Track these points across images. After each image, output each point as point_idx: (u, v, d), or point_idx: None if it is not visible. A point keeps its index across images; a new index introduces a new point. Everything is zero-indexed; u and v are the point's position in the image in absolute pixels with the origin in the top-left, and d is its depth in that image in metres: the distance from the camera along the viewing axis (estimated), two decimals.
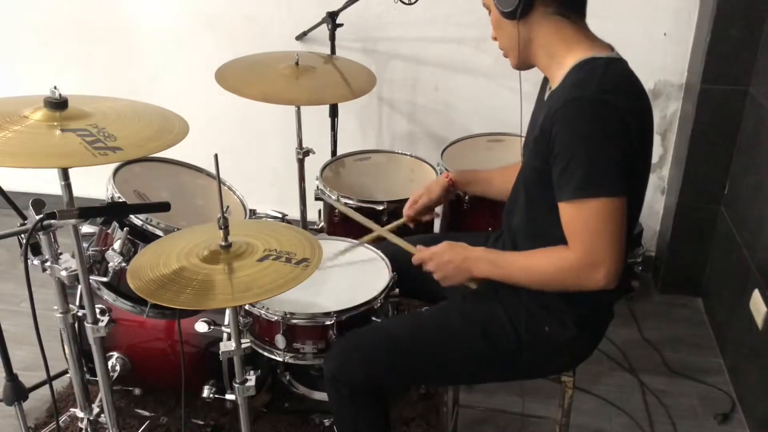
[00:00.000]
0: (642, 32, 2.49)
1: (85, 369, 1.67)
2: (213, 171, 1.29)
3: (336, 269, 1.74)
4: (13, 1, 2.91)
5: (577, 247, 1.32)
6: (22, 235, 1.40)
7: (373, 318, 1.61)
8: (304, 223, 2.48)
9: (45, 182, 2.98)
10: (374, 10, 2.64)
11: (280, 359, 1.60)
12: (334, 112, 2.57)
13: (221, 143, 2.68)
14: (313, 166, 2.27)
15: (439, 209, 1.97)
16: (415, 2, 2.39)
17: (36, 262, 1.41)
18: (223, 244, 1.32)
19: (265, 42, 2.74)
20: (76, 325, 1.53)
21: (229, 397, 1.49)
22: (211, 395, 1.86)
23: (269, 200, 2.50)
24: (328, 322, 1.55)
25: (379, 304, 1.61)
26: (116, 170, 1.82)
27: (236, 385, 1.43)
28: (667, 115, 2.63)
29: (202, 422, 2.03)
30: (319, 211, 2.24)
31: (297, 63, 2.10)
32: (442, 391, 1.99)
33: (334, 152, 2.61)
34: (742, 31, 2.27)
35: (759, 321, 2.03)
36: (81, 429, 1.64)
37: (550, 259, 1.37)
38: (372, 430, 1.58)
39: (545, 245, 1.39)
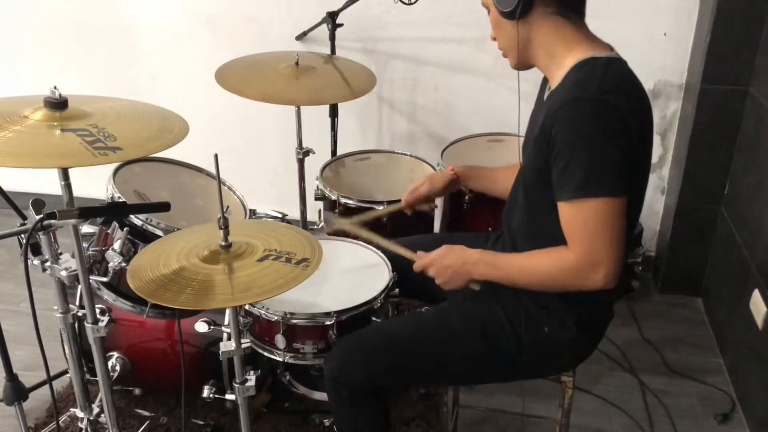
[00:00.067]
0: (642, 32, 2.49)
1: (85, 369, 1.67)
2: (213, 171, 1.29)
3: (336, 269, 1.74)
4: (13, 1, 2.91)
5: (577, 247, 1.32)
6: (22, 235, 1.40)
7: (373, 318, 1.60)
8: (304, 223, 2.48)
9: (45, 182, 2.99)
10: (374, 10, 2.64)
11: (280, 359, 1.60)
12: (334, 112, 2.57)
13: (221, 143, 2.68)
14: (313, 166, 2.27)
15: (438, 201, 1.98)
16: (415, 2, 2.39)
17: (36, 262, 1.41)
18: (223, 244, 1.32)
19: (265, 42, 2.74)
20: (76, 325, 1.53)
21: (229, 397, 1.49)
22: (211, 395, 1.85)
23: (269, 200, 2.51)
24: (328, 322, 1.55)
25: (379, 304, 1.61)
26: (116, 170, 1.82)
27: (236, 385, 1.43)
28: (667, 115, 2.63)
29: (202, 422, 2.03)
30: (319, 211, 2.24)
31: (297, 63, 2.10)
32: (442, 391, 1.99)
33: (334, 152, 2.61)
34: (742, 31, 2.27)
35: (759, 321, 2.03)
36: (81, 429, 1.64)
37: (550, 260, 1.37)
38: (372, 430, 1.58)
39: (545, 245, 1.39)
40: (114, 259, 1.64)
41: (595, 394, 2.22)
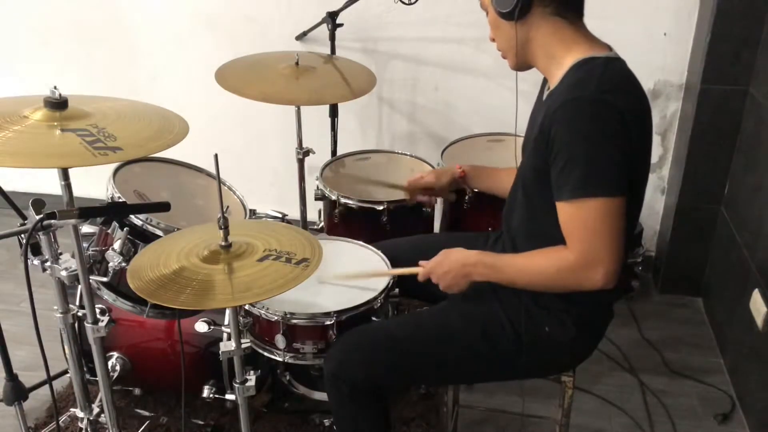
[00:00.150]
0: (642, 32, 2.49)
1: (85, 369, 1.67)
2: (213, 171, 1.29)
3: (336, 269, 1.74)
4: (13, 1, 2.91)
5: (576, 247, 1.32)
6: (22, 235, 1.40)
7: (373, 318, 1.60)
8: (304, 223, 2.48)
9: (45, 182, 2.99)
10: (374, 10, 2.64)
11: (280, 359, 1.60)
12: (334, 112, 2.57)
13: (221, 143, 2.68)
14: (313, 166, 2.27)
15: (438, 201, 1.99)
16: (415, 2, 2.39)
17: (36, 262, 1.41)
18: (223, 244, 1.32)
19: (265, 42, 2.74)
20: (76, 325, 1.53)
21: (229, 397, 1.49)
22: (211, 395, 1.86)
23: (269, 200, 2.50)
24: (328, 322, 1.55)
25: (379, 304, 1.61)
26: (116, 170, 1.82)
27: (236, 385, 1.44)
28: (667, 115, 2.63)
29: (202, 422, 2.03)
30: (319, 211, 2.24)
31: (297, 63, 2.10)
32: (442, 391, 1.99)
33: (334, 152, 2.61)
34: (742, 31, 2.27)
35: (759, 321, 2.03)
36: (81, 429, 1.64)
37: (549, 260, 1.37)
38: (372, 429, 1.57)
39: (545, 245, 1.39)
40: (114, 259, 1.64)
41: (595, 394, 2.22)
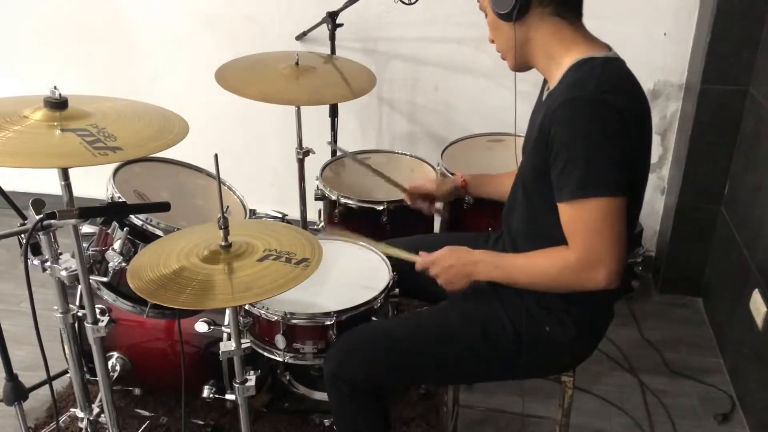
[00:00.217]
0: (642, 32, 2.49)
1: (85, 369, 1.67)
2: (213, 171, 1.29)
3: (336, 269, 1.74)
4: (13, 1, 2.91)
5: (577, 248, 1.32)
6: (22, 235, 1.40)
7: (373, 318, 1.60)
8: (304, 223, 2.48)
9: (45, 182, 2.99)
10: (374, 10, 2.64)
11: (280, 359, 1.60)
12: (334, 112, 2.57)
13: (221, 143, 2.68)
14: (313, 166, 2.27)
15: (440, 205, 1.99)
16: (415, 2, 2.39)
17: (36, 262, 1.41)
18: (223, 244, 1.32)
19: (265, 42, 2.74)
20: (76, 325, 1.53)
21: (229, 397, 1.49)
22: (211, 395, 1.86)
23: (269, 200, 2.50)
24: (328, 322, 1.55)
25: (379, 304, 1.61)
26: (116, 170, 1.82)
27: (236, 385, 1.43)
28: (667, 115, 2.63)
29: (202, 422, 2.03)
30: (319, 211, 2.24)
31: (297, 63, 2.10)
32: (442, 391, 1.99)
33: (334, 152, 2.61)
34: (742, 31, 2.27)
35: (759, 321, 2.03)
36: (81, 429, 1.64)
37: (551, 260, 1.37)
38: (372, 429, 1.57)
39: (545, 245, 1.39)
40: (114, 259, 1.64)
41: (595, 394, 2.22)
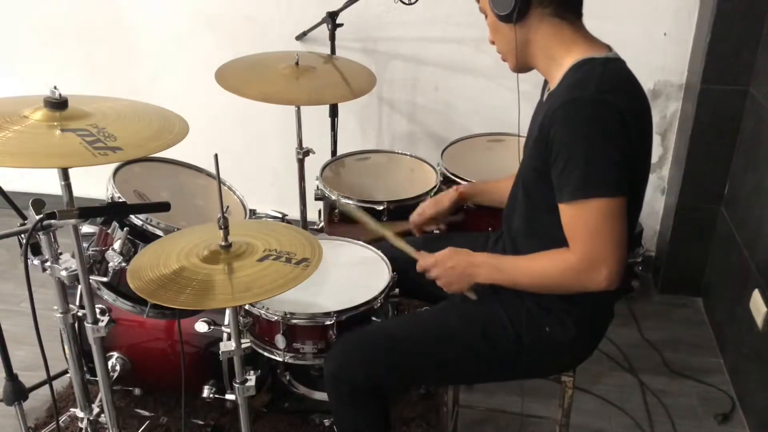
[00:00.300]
0: (642, 32, 2.49)
1: (85, 369, 1.67)
2: (213, 171, 1.29)
3: (336, 269, 1.74)
4: (13, 1, 2.91)
5: (578, 248, 1.32)
6: (22, 235, 1.40)
7: (373, 318, 1.61)
8: (304, 223, 2.48)
9: (45, 182, 2.99)
10: (374, 10, 2.64)
11: (280, 359, 1.61)
12: (334, 112, 2.57)
13: (221, 143, 2.68)
14: (313, 166, 2.27)
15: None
16: (415, 2, 2.39)
17: (36, 262, 1.41)
18: (223, 244, 1.32)
19: (265, 42, 2.74)
20: (76, 325, 1.53)
21: (229, 397, 1.49)
22: (211, 395, 1.86)
23: (269, 200, 2.50)
24: (328, 322, 1.55)
25: (379, 304, 1.61)
26: (116, 170, 1.82)
27: (236, 385, 1.44)
28: (667, 115, 2.63)
29: (202, 422, 2.03)
30: (319, 211, 2.24)
31: (297, 63, 2.10)
32: (442, 391, 1.99)
33: (334, 152, 2.61)
34: (742, 31, 2.27)
35: (759, 321, 2.03)
36: (81, 429, 1.64)
37: (552, 262, 1.37)
38: (372, 430, 1.57)
39: (545, 245, 1.39)
40: (114, 259, 1.64)
41: (595, 394, 2.22)
